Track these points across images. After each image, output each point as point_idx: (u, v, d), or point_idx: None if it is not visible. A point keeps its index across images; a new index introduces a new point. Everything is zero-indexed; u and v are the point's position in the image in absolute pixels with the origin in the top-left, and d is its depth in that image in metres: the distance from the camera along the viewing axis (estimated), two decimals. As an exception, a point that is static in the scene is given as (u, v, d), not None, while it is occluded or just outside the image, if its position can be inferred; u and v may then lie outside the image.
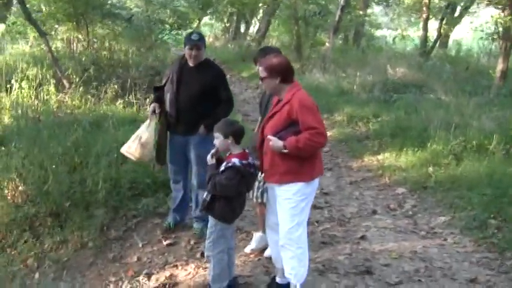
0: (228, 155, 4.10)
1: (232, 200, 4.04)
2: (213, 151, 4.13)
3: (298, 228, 3.87)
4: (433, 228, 5.79)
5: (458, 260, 4.99)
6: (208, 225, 4.22)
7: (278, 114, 3.81)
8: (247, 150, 4.13)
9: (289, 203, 3.83)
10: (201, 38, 5.11)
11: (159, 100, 5.19)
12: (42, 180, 6.05)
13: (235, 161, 3.94)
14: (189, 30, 22.12)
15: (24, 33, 15.43)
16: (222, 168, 3.98)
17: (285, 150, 3.69)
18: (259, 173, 4.47)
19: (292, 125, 3.72)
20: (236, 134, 4.03)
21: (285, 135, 3.72)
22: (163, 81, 5.27)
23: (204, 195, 4.16)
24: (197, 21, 26.24)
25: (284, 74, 3.83)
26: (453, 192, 6.61)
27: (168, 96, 5.11)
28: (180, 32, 18.54)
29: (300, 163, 3.78)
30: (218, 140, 4.05)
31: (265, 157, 3.91)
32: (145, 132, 5.13)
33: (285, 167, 3.79)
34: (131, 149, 5.16)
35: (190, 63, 5.08)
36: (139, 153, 5.15)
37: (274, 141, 3.72)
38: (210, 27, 29.85)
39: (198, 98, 5.02)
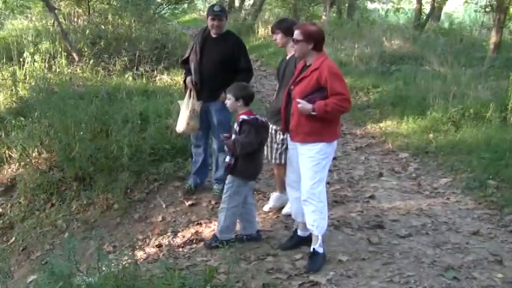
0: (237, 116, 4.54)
1: (250, 155, 4.44)
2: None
3: (320, 184, 4.19)
4: (436, 189, 6.17)
5: (461, 216, 5.38)
6: (226, 181, 4.58)
7: (306, 79, 4.11)
8: (255, 113, 4.54)
9: (312, 161, 4.14)
10: (223, 9, 5.42)
11: (190, 72, 5.48)
12: (66, 147, 6.37)
13: (244, 116, 4.42)
14: (185, 5, 22.22)
15: (24, 8, 15.48)
16: (237, 128, 4.41)
17: (314, 113, 4.00)
18: (280, 135, 4.85)
19: (319, 90, 4.02)
20: (246, 97, 4.49)
21: (312, 99, 4.02)
22: (187, 53, 5.58)
23: (227, 159, 4.52)
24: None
25: (318, 41, 4.11)
26: (453, 156, 6.97)
27: (192, 66, 5.42)
28: (177, 6, 18.60)
29: (323, 125, 4.10)
30: (230, 101, 4.49)
31: (292, 118, 4.23)
32: (196, 103, 5.38)
33: (309, 128, 4.11)
34: (191, 124, 5.40)
35: (213, 33, 5.39)
36: (195, 123, 5.43)
37: (303, 104, 4.02)
38: (203, 1, 29.66)
39: (219, 66, 5.34)
